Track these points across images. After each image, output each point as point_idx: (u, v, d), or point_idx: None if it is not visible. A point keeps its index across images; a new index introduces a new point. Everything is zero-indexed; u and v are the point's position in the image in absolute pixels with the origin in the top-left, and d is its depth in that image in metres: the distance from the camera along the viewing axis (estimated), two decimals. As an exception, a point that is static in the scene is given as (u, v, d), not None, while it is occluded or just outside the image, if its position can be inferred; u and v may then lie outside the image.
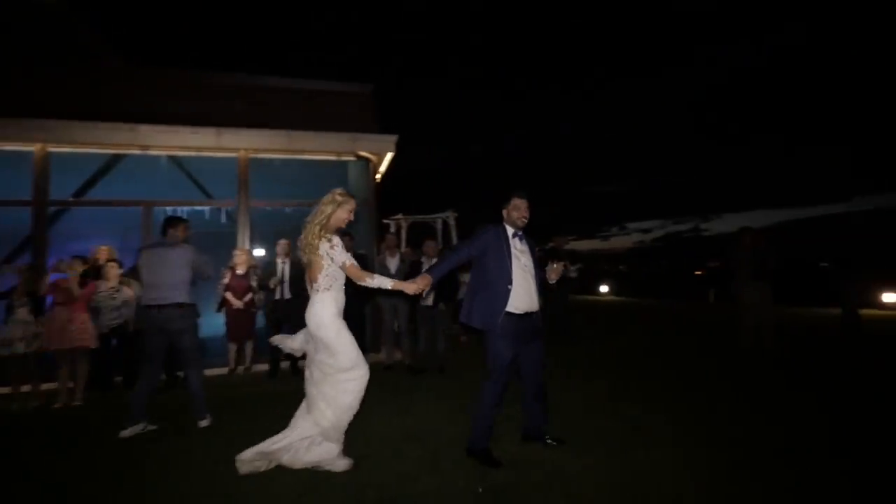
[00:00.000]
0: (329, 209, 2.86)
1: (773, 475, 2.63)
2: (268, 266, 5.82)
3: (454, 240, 10.92)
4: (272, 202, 7.23)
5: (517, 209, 3.09)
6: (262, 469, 2.82)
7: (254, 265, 6.10)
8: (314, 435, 2.84)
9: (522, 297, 2.98)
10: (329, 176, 7.67)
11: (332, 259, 2.79)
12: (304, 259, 2.86)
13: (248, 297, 5.94)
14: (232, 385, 5.42)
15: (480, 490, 2.56)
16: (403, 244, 10.14)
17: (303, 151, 7.06)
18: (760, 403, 3.98)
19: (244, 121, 6.72)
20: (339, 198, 2.90)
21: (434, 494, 2.55)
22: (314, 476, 2.78)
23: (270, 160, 7.08)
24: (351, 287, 5.78)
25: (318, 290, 2.82)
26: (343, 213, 2.91)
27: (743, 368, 5.24)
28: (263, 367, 5.98)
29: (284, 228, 6.86)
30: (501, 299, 2.94)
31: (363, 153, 7.23)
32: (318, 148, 7.05)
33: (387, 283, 2.94)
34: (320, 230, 2.82)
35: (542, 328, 3.13)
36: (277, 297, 5.72)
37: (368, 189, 7.31)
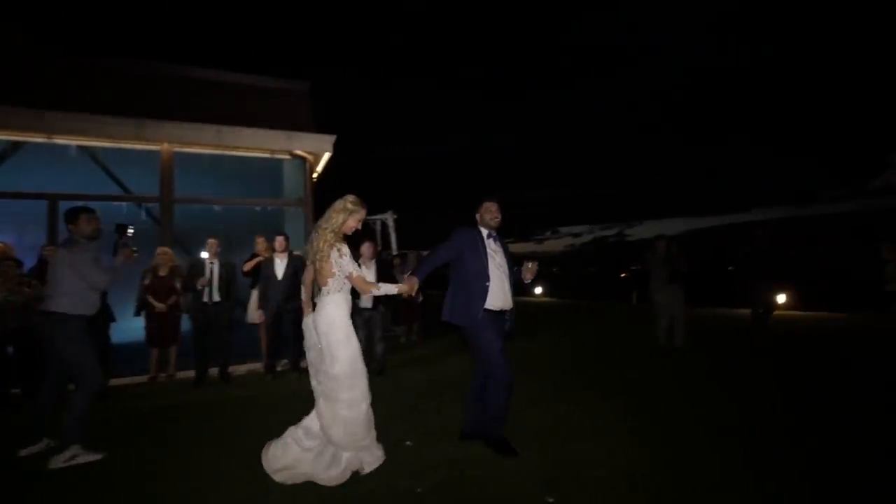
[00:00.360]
0: (341, 217, 2.84)
1: (687, 453, 2.91)
2: (194, 267, 5.49)
3: (393, 241, 10.89)
4: (200, 199, 6.82)
5: (489, 211, 3.25)
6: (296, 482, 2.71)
7: (177, 266, 5.73)
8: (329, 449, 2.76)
9: (498, 294, 3.12)
10: (263, 174, 7.39)
11: (339, 267, 2.79)
12: (316, 265, 2.84)
13: (172, 299, 5.56)
14: (153, 394, 5.05)
15: (419, 490, 2.59)
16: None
17: (235, 147, 6.74)
18: (669, 394, 4.38)
19: (169, 113, 6.31)
20: (350, 206, 2.88)
21: (374, 495, 2.55)
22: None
23: (199, 155, 6.69)
24: (285, 291, 5.70)
25: (328, 292, 2.81)
26: (353, 222, 2.90)
27: (657, 363, 5.71)
28: (189, 374, 5.62)
29: (214, 227, 6.52)
30: (480, 296, 3.07)
31: (299, 152, 7.03)
32: (251, 145, 6.76)
33: (392, 290, 2.96)
34: (333, 237, 2.80)
35: (507, 329, 3.24)
36: (205, 299, 5.41)
37: (304, 189, 7.13)
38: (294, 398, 4.67)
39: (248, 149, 6.88)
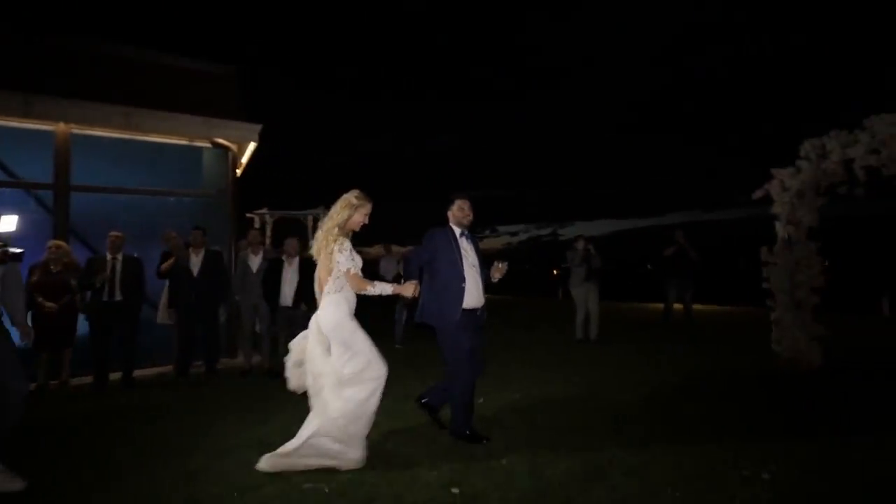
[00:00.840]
0: (346, 213, 2.82)
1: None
2: (92, 263, 4.99)
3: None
4: (100, 188, 6.18)
5: (461, 209, 3.30)
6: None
7: (72, 261, 5.16)
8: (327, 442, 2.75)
9: (472, 293, 3.18)
10: (180, 163, 6.87)
11: (337, 262, 2.74)
12: (316, 259, 2.85)
13: (66, 298, 5.01)
14: (43, 404, 4.53)
15: (327, 490, 2.55)
16: (268, 241, 9.51)
17: (147, 132, 6.21)
18: (580, 381, 4.67)
19: (68, 89, 5.67)
20: (355, 200, 2.84)
21: (277, 498, 2.47)
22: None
23: (104, 139, 6.09)
24: (200, 288, 5.34)
25: (329, 292, 2.79)
26: (359, 217, 2.87)
27: (573, 354, 6.09)
28: (85, 380, 5.10)
29: (124, 219, 5.96)
30: (457, 297, 3.12)
31: (221, 140, 6.61)
32: (166, 130, 6.26)
33: (387, 289, 2.91)
34: (337, 233, 2.78)
35: (483, 323, 3.35)
36: (106, 298, 4.93)
37: (226, 180, 6.72)
38: (205, 403, 4.40)
39: (163, 134, 6.36)
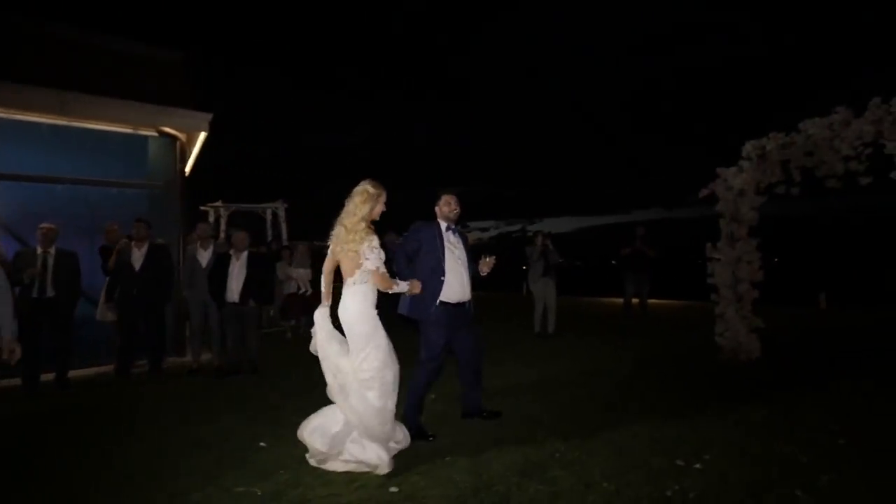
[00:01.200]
0: (368, 206, 2.81)
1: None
2: (20, 257, 4.68)
3: (284, 232, 10.30)
4: (28, 176, 5.78)
5: (447, 204, 3.36)
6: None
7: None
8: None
9: (455, 287, 3.24)
10: (123, 151, 6.50)
11: (365, 259, 2.74)
12: (339, 255, 2.82)
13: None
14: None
15: (259, 493, 2.47)
16: (223, 235, 9.19)
17: (86, 119, 5.86)
18: (533, 374, 4.73)
19: (-6, 71, 5.27)
20: (372, 190, 2.83)
21: (206, 502, 2.38)
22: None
23: (37, 125, 5.71)
24: (143, 283, 5.09)
25: (354, 283, 2.78)
26: (380, 207, 2.87)
27: (530, 347, 6.22)
28: (13, 382, 4.79)
29: (61, 210, 5.60)
30: (434, 291, 3.17)
31: (168, 129, 6.32)
32: (106, 117, 5.93)
33: (405, 288, 2.96)
34: (365, 229, 2.78)
35: (473, 316, 3.39)
36: (36, 294, 4.63)
37: (174, 171, 6.43)
38: (144, 404, 4.21)
39: (103, 122, 6.02)
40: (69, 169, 6.07)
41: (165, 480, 2.62)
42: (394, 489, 2.49)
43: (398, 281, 2.92)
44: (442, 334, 3.20)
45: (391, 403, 2.76)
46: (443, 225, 3.36)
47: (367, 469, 2.66)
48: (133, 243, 5.28)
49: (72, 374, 5.00)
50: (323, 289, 2.95)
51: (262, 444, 3.11)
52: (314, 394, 4.20)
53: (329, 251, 2.90)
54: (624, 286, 7.98)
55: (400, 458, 2.84)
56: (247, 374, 5.12)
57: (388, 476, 2.62)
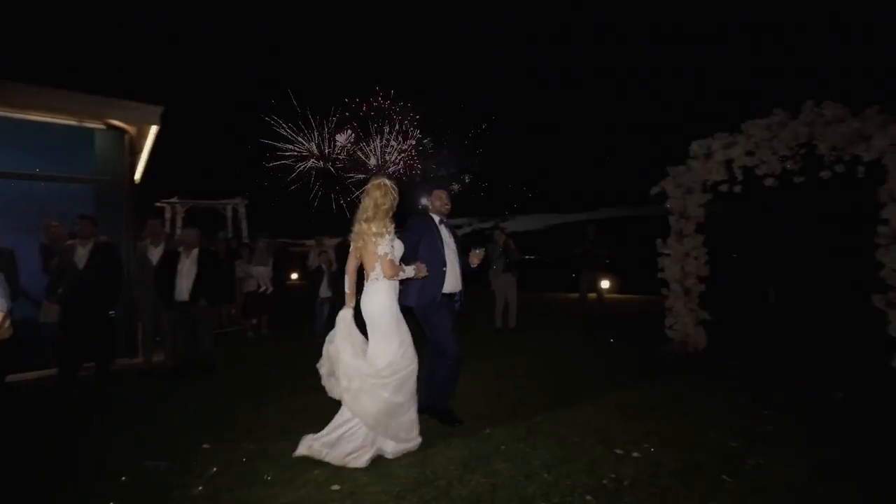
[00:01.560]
0: (389, 198, 2.89)
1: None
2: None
3: (245, 229, 10.05)
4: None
5: (439, 198, 3.47)
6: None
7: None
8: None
9: (451, 278, 3.33)
10: (67, 145, 6.21)
11: (377, 247, 2.81)
12: (360, 245, 2.88)
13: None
14: None
15: (196, 493, 2.42)
16: (178, 231, 8.90)
17: (22, 109, 5.55)
18: (489, 368, 4.84)
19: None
20: (389, 183, 2.93)
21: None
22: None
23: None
24: (88, 283, 4.88)
25: (377, 278, 2.85)
26: (397, 199, 2.95)
27: (489, 342, 6.33)
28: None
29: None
30: (439, 281, 3.25)
31: (115, 122, 6.05)
32: (45, 107, 5.63)
33: (412, 273, 2.99)
34: (390, 220, 2.87)
35: (458, 308, 3.45)
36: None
37: (122, 165, 6.16)
38: (86, 408, 4.05)
39: (43, 113, 5.72)
40: (9, 162, 5.76)
41: (101, 484, 2.54)
42: (335, 487, 2.49)
43: (405, 267, 2.96)
44: (444, 316, 3.29)
45: (407, 400, 2.82)
46: (436, 218, 3.47)
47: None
48: (77, 241, 5.05)
49: (11, 378, 4.74)
50: (347, 289, 2.96)
51: (205, 445, 3.04)
52: (265, 396, 4.17)
53: (351, 249, 2.95)
54: (579, 284, 8.10)
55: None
56: (200, 376, 4.99)
57: (332, 473, 2.62)
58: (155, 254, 5.40)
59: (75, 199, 6.07)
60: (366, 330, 2.88)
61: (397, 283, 2.94)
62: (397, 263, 2.93)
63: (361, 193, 2.99)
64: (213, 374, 5.00)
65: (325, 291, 7.14)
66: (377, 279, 2.85)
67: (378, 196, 2.87)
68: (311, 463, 2.75)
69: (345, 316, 2.85)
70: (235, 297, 7.78)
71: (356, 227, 2.90)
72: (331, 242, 8.89)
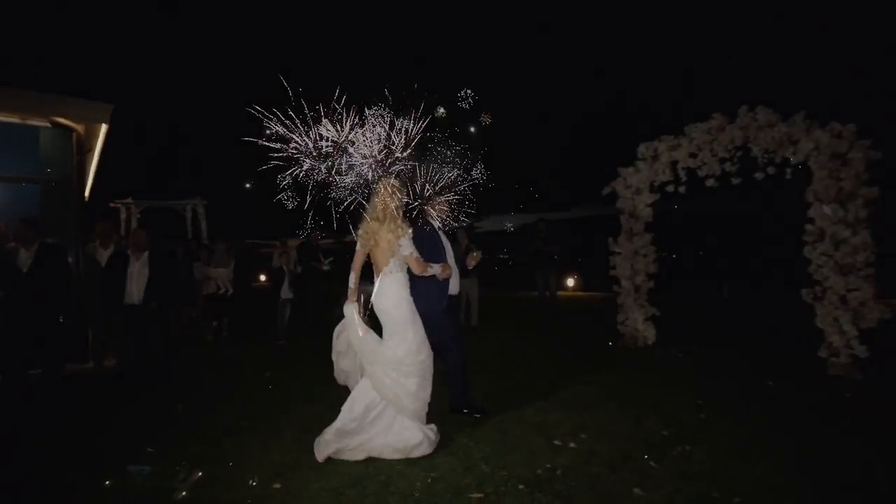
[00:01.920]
0: (397, 199, 3.00)
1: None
2: None
3: (204, 230, 9.83)
4: None
5: (439, 205, 3.66)
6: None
7: None
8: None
9: (453, 282, 3.47)
10: (9, 143, 5.97)
11: (400, 247, 2.93)
12: (371, 243, 2.97)
13: None
14: None
15: (136, 498, 2.41)
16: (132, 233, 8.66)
17: (-40, 107, 5.32)
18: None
19: None
20: (396, 182, 3.06)
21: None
22: None
23: None
24: (30, 287, 4.72)
25: (391, 272, 2.97)
26: (404, 200, 3.08)
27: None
28: None
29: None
30: (446, 285, 3.37)
31: (62, 120, 5.85)
32: (-13, 105, 5.41)
33: (438, 270, 3.14)
34: (402, 218, 2.98)
35: (458, 309, 3.62)
36: None
37: (70, 164, 5.97)
38: (37, 414, 3.94)
39: (-16, 111, 5.50)
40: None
41: (36, 492, 2.50)
42: (277, 486, 2.52)
43: (431, 264, 3.10)
44: (449, 315, 3.48)
45: (426, 392, 2.93)
46: (436, 224, 3.63)
47: (401, 455, 2.79)
48: (19, 244, 4.88)
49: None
50: (351, 285, 3.02)
51: (149, 449, 3.01)
52: (216, 398, 4.14)
53: (358, 247, 3.04)
54: (535, 281, 8.14)
55: (291, 454, 2.87)
56: (152, 380, 4.89)
57: (275, 473, 2.64)
58: (104, 255, 5.27)
59: (20, 199, 5.84)
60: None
61: (408, 277, 3.07)
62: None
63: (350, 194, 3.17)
64: (166, 378, 4.91)
65: (286, 293, 7.05)
66: (390, 273, 2.98)
67: (388, 194, 3.01)
68: (255, 462, 2.78)
69: (351, 309, 2.94)
70: (196, 299, 7.63)
71: (366, 227, 3.02)
72: (294, 243, 8.81)
